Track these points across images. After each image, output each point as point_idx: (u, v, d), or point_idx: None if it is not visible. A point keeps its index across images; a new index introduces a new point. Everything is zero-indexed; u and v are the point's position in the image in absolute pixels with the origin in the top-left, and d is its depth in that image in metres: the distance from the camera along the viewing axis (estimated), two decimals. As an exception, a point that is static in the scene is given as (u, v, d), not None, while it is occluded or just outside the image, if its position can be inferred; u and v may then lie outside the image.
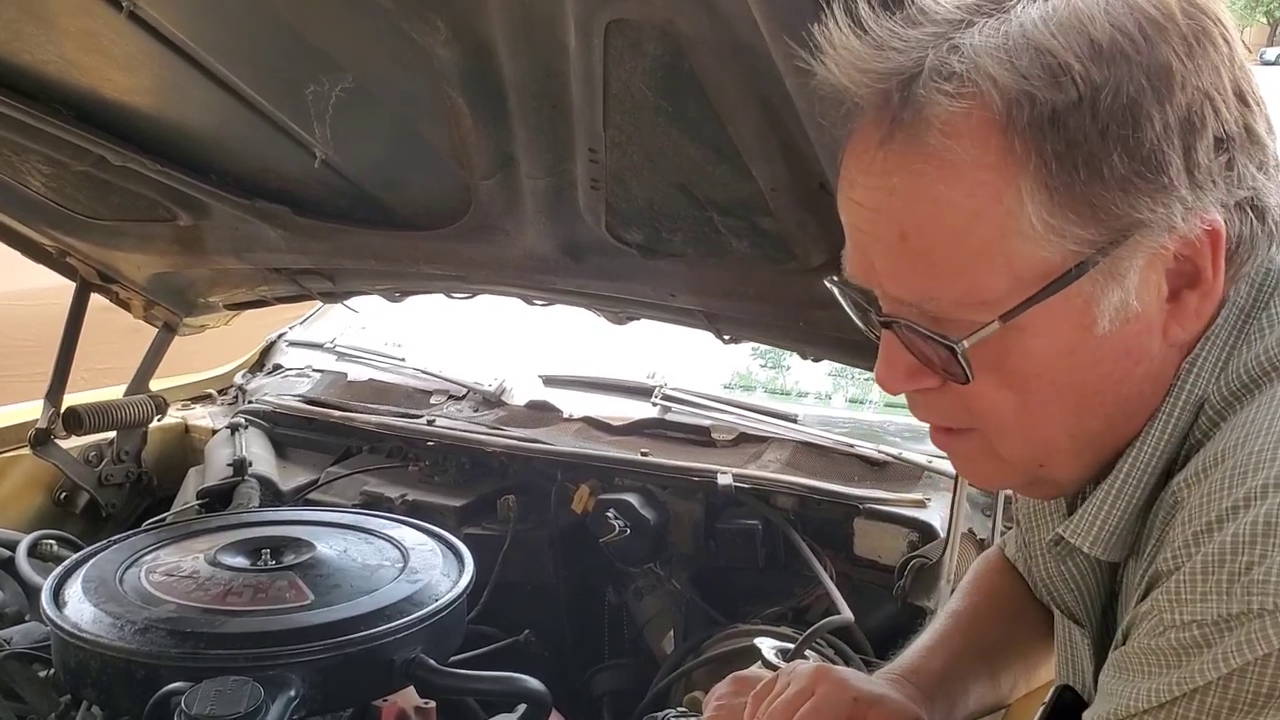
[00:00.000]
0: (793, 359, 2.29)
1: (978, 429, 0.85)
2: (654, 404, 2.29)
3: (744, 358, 2.59)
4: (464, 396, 2.45)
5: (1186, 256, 0.78)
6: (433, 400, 2.46)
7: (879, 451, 2.08)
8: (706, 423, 2.23)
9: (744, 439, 2.18)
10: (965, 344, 0.78)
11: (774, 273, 1.57)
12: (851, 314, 0.90)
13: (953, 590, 1.46)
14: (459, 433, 2.25)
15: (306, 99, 1.50)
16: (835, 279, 0.89)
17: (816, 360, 1.89)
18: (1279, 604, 0.68)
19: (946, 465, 1.96)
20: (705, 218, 1.47)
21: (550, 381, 2.46)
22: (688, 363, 2.45)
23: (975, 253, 0.76)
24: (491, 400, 2.42)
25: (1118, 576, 0.92)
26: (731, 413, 2.26)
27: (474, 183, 1.58)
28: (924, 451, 2.07)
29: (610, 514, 1.98)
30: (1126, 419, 0.83)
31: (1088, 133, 0.72)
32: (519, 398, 2.42)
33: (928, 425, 0.90)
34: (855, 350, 1.78)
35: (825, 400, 2.50)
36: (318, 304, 2.74)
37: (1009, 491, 1.91)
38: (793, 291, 1.59)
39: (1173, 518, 0.77)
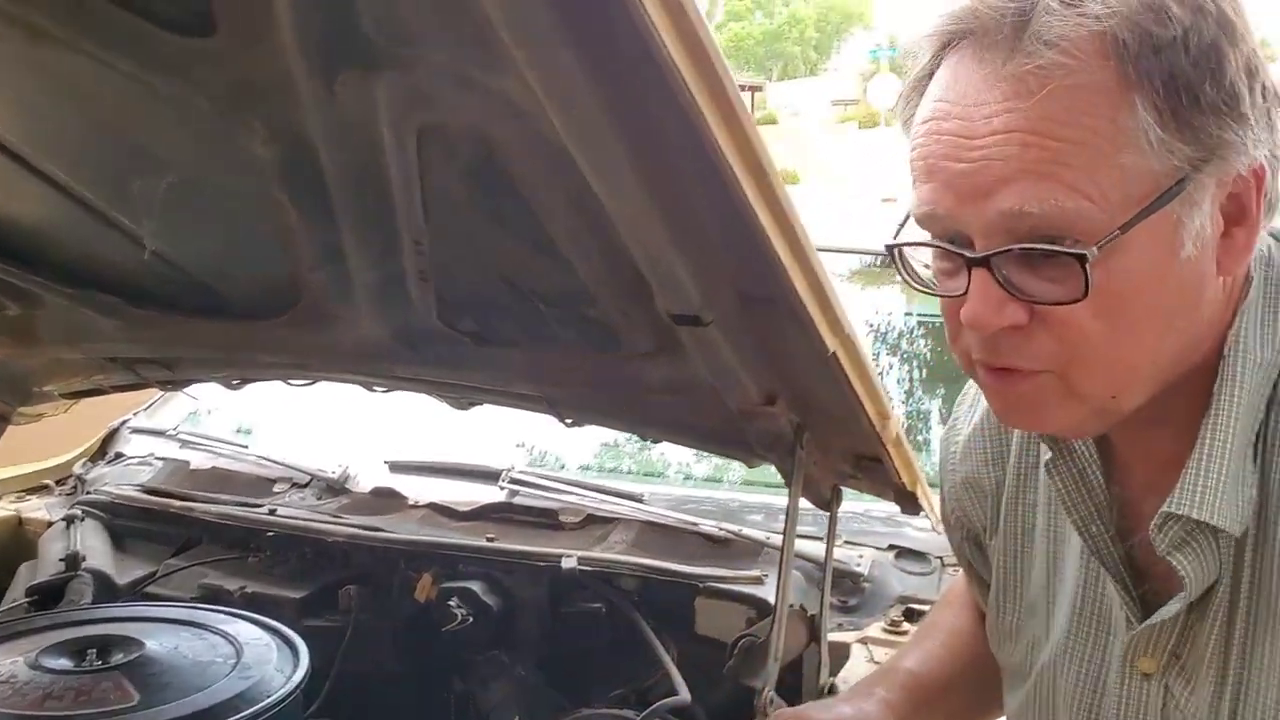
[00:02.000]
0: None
1: (1054, 370, 0.89)
2: (502, 488, 2.30)
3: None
4: (307, 484, 2.42)
5: (1236, 195, 0.87)
6: (275, 488, 2.42)
7: (721, 529, 2.12)
8: (554, 505, 2.25)
9: (591, 520, 2.20)
10: (1095, 250, 0.82)
11: (605, 359, 1.61)
12: (919, 271, 0.94)
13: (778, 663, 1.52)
14: (300, 522, 2.22)
15: (134, 194, 1.50)
16: (899, 244, 0.94)
17: (656, 442, 1.93)
18: None
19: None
20: (532, 308, 1.50)
21: (396, 467, 2.45)
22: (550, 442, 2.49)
23: (1097, 162, 0.82)
24: (335, 487, 2.39)
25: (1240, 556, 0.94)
26: (579, 494, 2.28)
27: (303, 274, 1.59)
28: (764, 528, 2.12)
29: (453, 602, 1.97)
30: (1193, 348, 0.91)
31: (1184, 64, 0.82)
32: (363, 484, 2.40)
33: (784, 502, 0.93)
34: (692, 433, 1.83)
35: (688, 478, 2.55)
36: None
37: (851, 565, 1.99)
38: (625, 377, 1.63)
39: None
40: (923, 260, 0.95)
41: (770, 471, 2.28)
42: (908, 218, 0.93)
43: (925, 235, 0.93)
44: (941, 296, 0.92)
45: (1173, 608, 0.96)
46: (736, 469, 2.52)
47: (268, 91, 1.17)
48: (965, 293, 0.87)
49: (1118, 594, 1.02)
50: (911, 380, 3.19)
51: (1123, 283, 0.84)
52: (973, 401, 1.22)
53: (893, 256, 0.95)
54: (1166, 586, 0.98)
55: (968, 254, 0.87)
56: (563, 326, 1.53)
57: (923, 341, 3.25)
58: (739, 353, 1.42)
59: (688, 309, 1.32)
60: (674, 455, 2.61)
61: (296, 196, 1.37)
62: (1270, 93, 0.86)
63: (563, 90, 0.98)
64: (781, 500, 2.24)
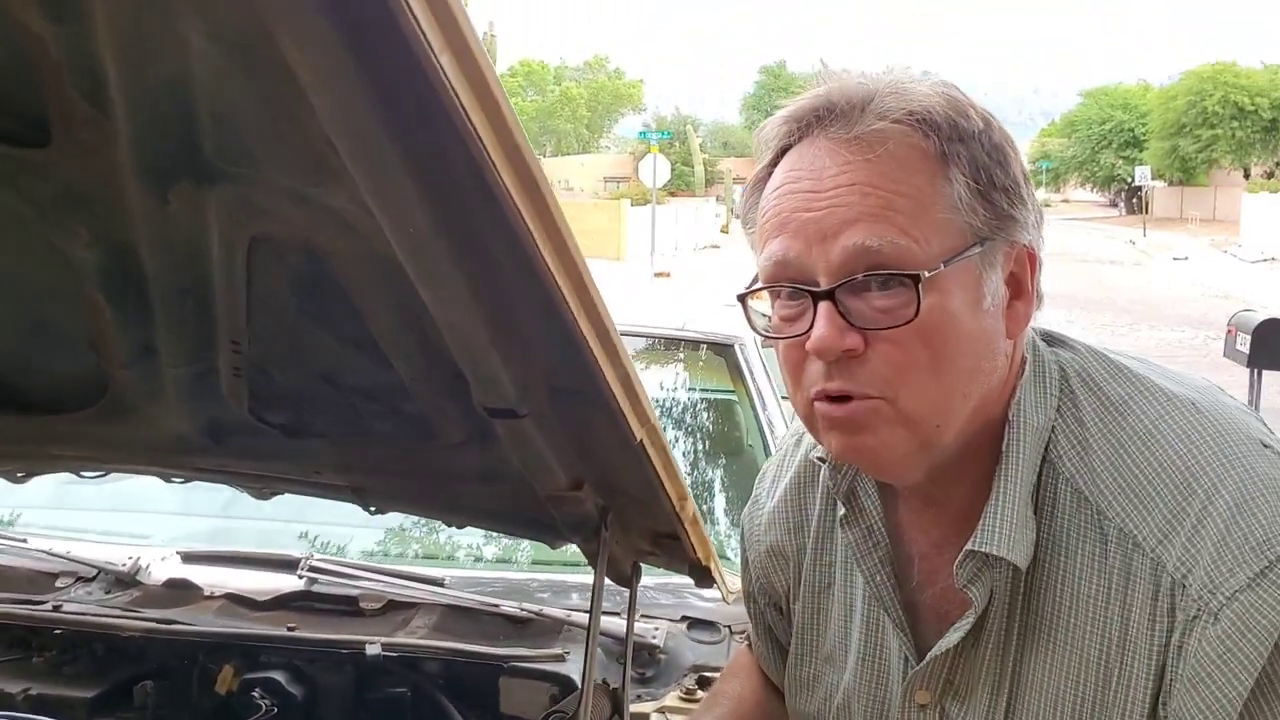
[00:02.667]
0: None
1: (886, 397, 1.03)
2: (300, 576, 2.29)
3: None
4: (94, 578, 2.34)
5: (1016, 274, 1.07)
6: (58, 583, 2.33)
7: (522, 609, 2.19)
8: (354, 592, 2.26)
9: (392, 606, 2.22)
10: (924, 274, 0.99)
11: (417, 449, 1.67)
12: (766, 315, 1.11)
13: None
14: (89, 617, 2.15)
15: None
16: (752, 290, 1.10)
17: (460, 528, 1.99)
18: None
19: (584, 619, 2.11)
20: (349, 404, 1.55)
21: (190, 558, 2.40)
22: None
23: (921, 212, 1.01)
24: (125, 580, 2.32)
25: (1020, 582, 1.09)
26: (379, 580, 2.30)
27: (113, 370, 1.59)
28: (564, 606, 2.20)
29: (256, 693, 1.96)
30: (990, 402, 1.08)
31: (981, 152, 1.04)
32: (156, 576, 2.34)
33: (581, 581, 1.03)
34: (499, 518, 1.90)
35: (478, 560, 2.59)
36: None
37: (648, 638, 2.09)
38: (436, 467, 1.69)
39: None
40: (762, 313, 1.12)
41: (562, 550, 2.39)
42: (755, 278, 1.09)
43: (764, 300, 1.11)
44: (785, 339, 1.07)
45: (953, 638, 1.10)
46: (526, 549, 2.60)
47: (96, 201, 1.20)
48: (808, 330, 1.02)
49: (896, 636, 1.18)
50: (695, 453, 3.34)
51: (941, 314, 1.01)
52: (774, 478, 1.38)
53: (743, 306, 1.12)
54: (938, 629, 1.14)
55: (815, 289, 1.02)
56: (378, 420, 1.58)
57: (705, 415, 3.41)
58: (550, 442, 1.51)
59: (504, 403, 1.40)
60: (463, 538, 2.66)
61: (114, 297, 1.39)
62: (1037, 204, 1.08)
63: (401, 212, 1.06)
64: (575, 578, 2.35)
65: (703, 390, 3.33)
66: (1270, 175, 51.06)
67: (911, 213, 1.01)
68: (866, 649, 1.23)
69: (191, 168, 1.14)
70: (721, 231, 44.31)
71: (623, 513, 1.71)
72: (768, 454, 2.80)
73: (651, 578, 2.23)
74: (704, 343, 3.15)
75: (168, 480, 2.01)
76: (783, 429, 2.83)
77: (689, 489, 1.66)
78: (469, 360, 1.33)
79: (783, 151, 1.09)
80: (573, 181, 59.93)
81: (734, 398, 3.15)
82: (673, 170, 32.06)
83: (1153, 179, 49.31)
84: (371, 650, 2.02)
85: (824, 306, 1.01)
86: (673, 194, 44.84)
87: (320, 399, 1.58)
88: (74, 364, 1.63)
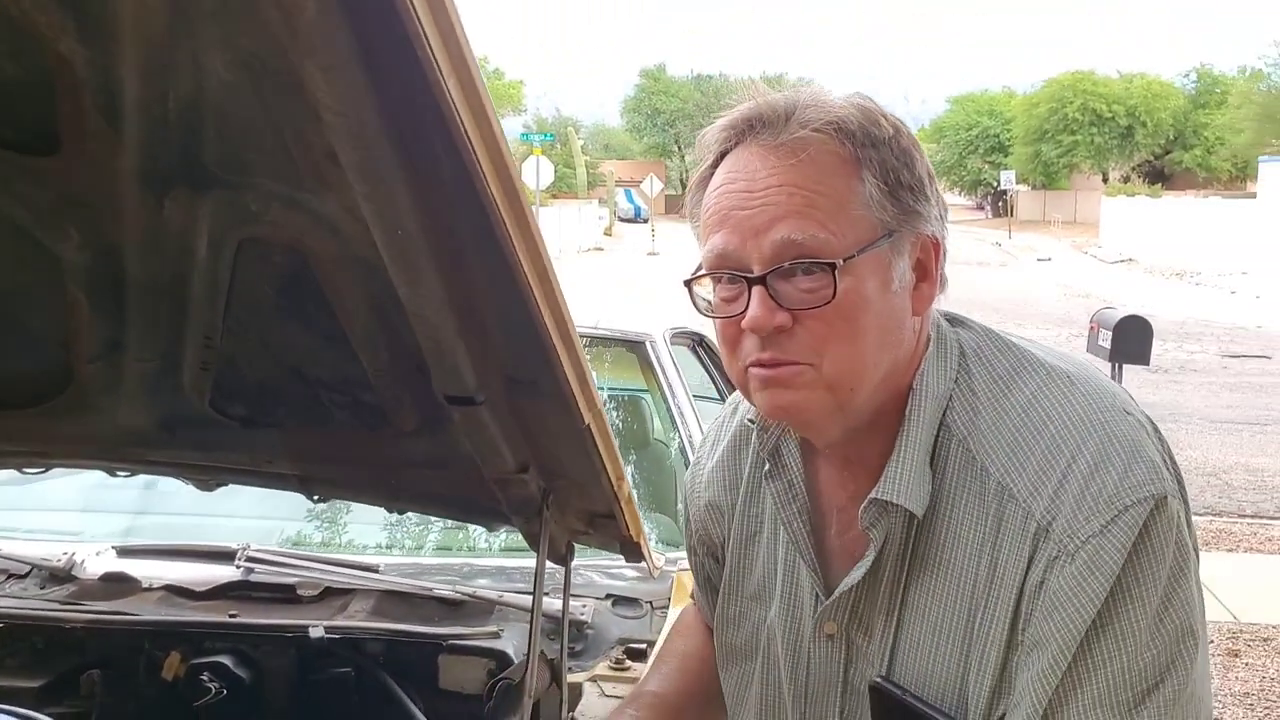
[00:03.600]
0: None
1: (811, 364, 1.20)
2: (238, 566, 2.37)
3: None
4: (27, 574, 2.38)
5: (922, 260, 1.25)
6: (-9, 581, 2.36)
7: (456, 591, 2.30)
8: (292, 580, 2.34)
9: (329, 593, 2.31)
10: (840, 261, 1.17)
11: (370, 438, 1.78)
12: (707, 299, 1.28)
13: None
14: (27, 611, 2.20)
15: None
16: (696, 276, 1.28)
17: (402, 513, 2.10)
18: None
19: (517, 599, 2.23)
20: (312, 394, 1.65)
21: (125, 552, 2.46)
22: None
23: (838, 209, 1.18)
24: (60, 576, 2.37)
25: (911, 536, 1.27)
26: (316, 568, 2.38)
27: (77, 365, 1.66)
28: (495, 588, 2.32)
29: (205, 676, 2.04)
30: (898, 373, 1.25)
31: (890, 155, 1.21)
32: (91, 571, 2.39)
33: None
34: (442, 503, 2.02)
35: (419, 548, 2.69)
36: None
37: (577, 614, 2.22)
38: (386, 454, 1.80)
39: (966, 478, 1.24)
40: (704, 297, 1.30)
41: (494, 536, 2.51)
42: (699, 266, 1.27)
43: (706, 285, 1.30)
44: (724, 318, 1.25)
45: (856, 575, 1.29)
46: (459, 535, 2.71)
47: (92, 205, 1.28)
48: (744, 310, 1.20)
49: (809, 577, 1.36)
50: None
51: (855, 296, 1.19)
52: (713, 442, 1.57)
53: (689, 291, 1.31)
54: (843, 569, 1.33)
55: (749, 276, 1.20)
56: (338, 409, 1.69)
57: (615, 413, 3.54)
58: (502, 428, 1.63)
59: (463, 391, 1.52)
60: (395, 529, 2.75)
61: (93, 296, 1.46)
62: (941, 198, 1.28)
63: (393, 216, 1.18)
64: (504, 561, 2.47)
65: (614, 387, 3.47)
66: (1127, 179, 53.47)
67: (830, 209, 1.18)
68: (784, 588, 1.40)
69: (190, 175, 1.24)
70: (605, 234, 44.50)
71: (562, 494, 1.84)
72: (678, 446, 2.97)
73: (577, 559, 2.37)
74: (616, 340, 3.29)
75: (113, 474, 2.07)
76: (693, 422, 2.99)
77: (625, 470, 1.80)
78: (435, 350, 1.45)
79: (722, 155, 1.26)
80: (453, 183, 59.24)
81: (645, 393, 3.30)
82: (555, 172, 32.15)
83: (1017, 183, 51.26)
84: (315, 632, 2.11)
85: (757, 290, 1.19)
86: (555, 196, 44.84)
87: (283, 389, 1.68)
88: (37, 360, 1.69)
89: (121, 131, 1.17)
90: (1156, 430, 1.27)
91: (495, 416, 1.61)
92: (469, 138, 1.06)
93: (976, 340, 1.33)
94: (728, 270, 1.22)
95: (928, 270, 1.26)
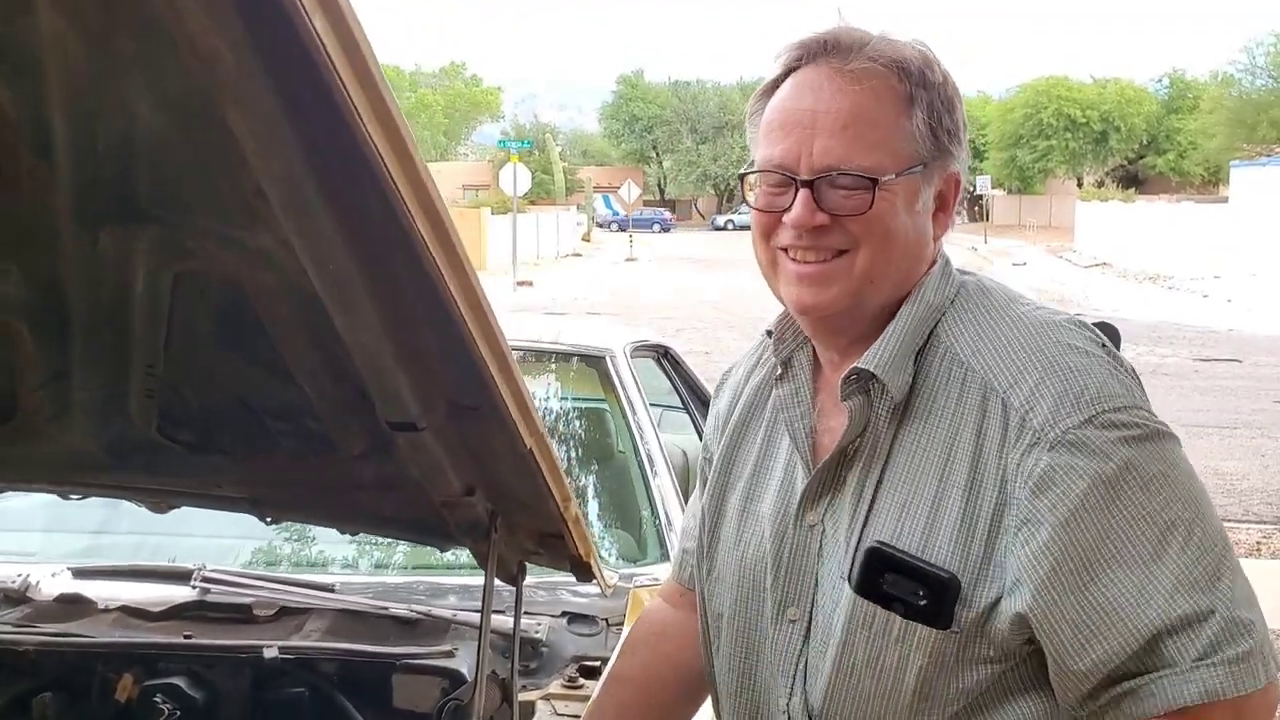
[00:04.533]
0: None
1: (848, 250, 1.34)
2: (193, 587, 2.37)
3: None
4: (-19, 597, 2.38)
5: (943, 193, 1.39)
6: (-55, 603, 2.36)
7: (411, 610, 2.32)
8: (248, 600, 2.35)
9: (285, 612, 2.32)
10: (881, 179, 1.32)
11: (318, 462, 1.79)
12: (759, 194, 1.39)
13: None
14: (-19, 634, 2.20)
15: None
16: (750, 171, 1.41)
17: (354, 535, 2.12)
18: None
19: (471, 618, 2.25)
20: (257, 421, 1.67)
21: (81, 573, 2.46)
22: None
23: (887, 136, 1.33)
24: (14, 597, 2.37)
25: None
26: (272, 588, 2.39)
27: (23, 393, 1.67)
28: (452, 606, 2.34)
29: (158, 699, 2.05)
30: (906, 284, 1.37)
31: (939, 100, 1.36)
32: (47, 592, 2.39)
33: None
34: (393, 524, 2.03)
35: (354, 567, 2.71)
36: None
37: (531, 633, 2.25)
38: (336, 477, 1.82)
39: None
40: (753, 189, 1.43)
41: (449, 554, 2.52)
42: (751, 163, 1.41)
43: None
44: (766, 210, 1.38)
45: (833, 451, 1.38)
46: (413, 554, 2.72)
47: (31, 241, 1.30)
48: (790, 206, 1.34)
49: (802, 474, 1.42)
50: (570, 460, 3.49)
51: (888, 209, 1.33)
52: (736, 365, 1.67)
53: (741, 183, 1.43)
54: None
55: (799, 178, 1.34)
56: (284, 436, 1.70)
57: (578, 423, 3.56)
58: (446, 452, 1.66)
59: (405, 418, 1.55)
60: (349, 548, 2.76)
61: (35, 328, 1.48)
62: (967, 144, 1.44)
63: (323, 251, 1.20)
64: (457, 580, 2.49)
65: (576, 400, 3.49)
66: (1101, 184, 53.84)
67: (879, 136, 1.33)
68: (781, 486, 1.47)
69: (124, 211, 1.26)
70: (583, 240, 44.53)
71: (511, 515, 1.86)
72: (637, 459, 2.99)
73: (534, 577, 2.38)
74: (577, 355, 3.31)
75: (65, 498, 2.08)
76: (651, 436, 3.02)
77: (572, 491, 1.82)
78: (375, 380, 1.47)
79: (788, 71, 1.39)
80: (431, 190, 59.15)
81: (605, 406, 3.32)
82: (533, 179, 32.19)
83: (993, 188, 51.53)
84: (269, 653, 2.12)
85: (804, 193, 1.34)
86: (533, 202, 44.85)
87: (228, 416, 1.69)
88: (-18, 389, 1.70)
89: (54, 170, 1.19)
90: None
91: (439, 441, 1.63)
92: (392, 176, 1.08)
93: (976, 280, 1.46)
94: (781, 172, 1.35)
95: (946, 202, 1.41)
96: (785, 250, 1.38)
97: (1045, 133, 52.95)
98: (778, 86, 1.40)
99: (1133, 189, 50.39)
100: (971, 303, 1.40)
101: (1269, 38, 43.82)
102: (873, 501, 1.35)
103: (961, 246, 41.52)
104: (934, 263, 1.42)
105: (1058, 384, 1.26)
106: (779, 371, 1.48)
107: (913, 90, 1.35)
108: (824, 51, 1.37)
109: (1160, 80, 58.03)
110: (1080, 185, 54.60)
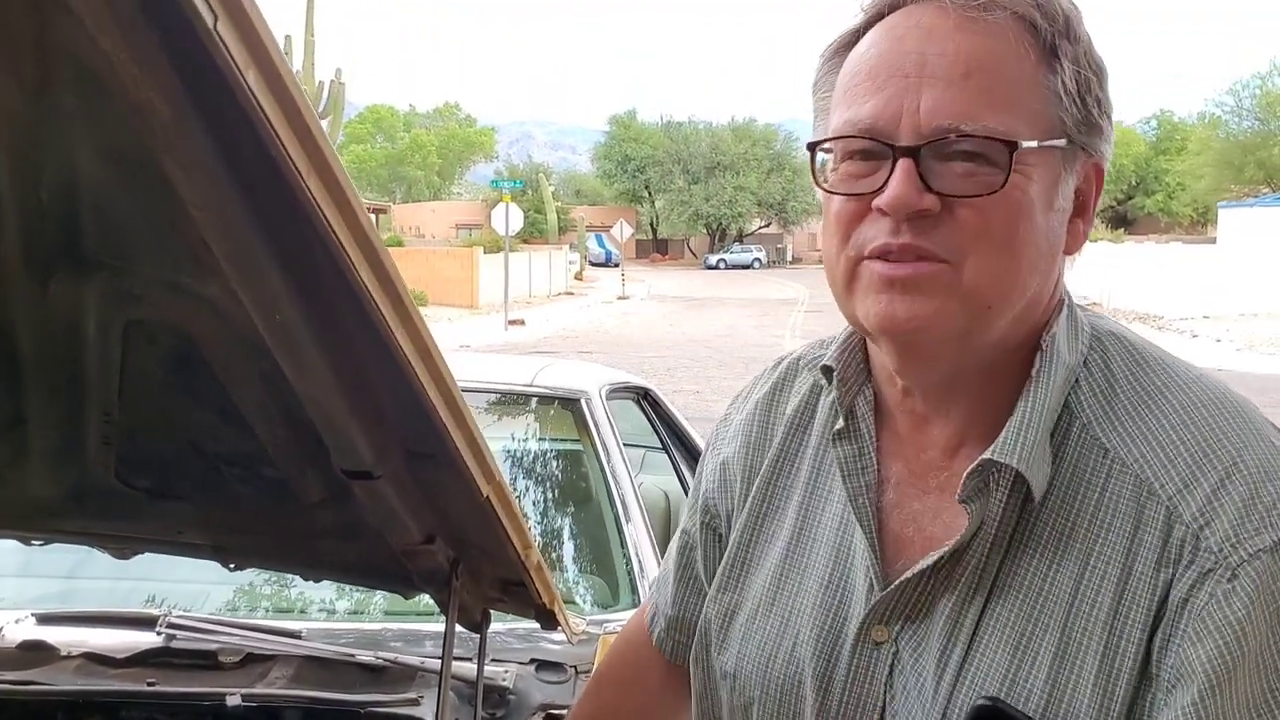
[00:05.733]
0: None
1: (951, 263, 0.98)
2: (158, 633, 2.35)
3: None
4: (-57, 644, 2.36)
5: (1081, 190, 1.04)
6: (-97, 650, 2.34)
7: (377, 658, 2.30)
8: (213, 646, 2.33)
9: (251, 659, 2.30)
10: (1021, 144, 0.96)
11: (278, 510, 1.78)
12: (837, 175, 1.04)
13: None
14: (-59, 683, 2.17)
15: None
16: (827, 139, 1.05)
17: (318, 581, 2.10)
18: None
19: (436, 665, 2.23)
20: (213, 468, 1.66)
21: (45, 619, 2.44)
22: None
23: (1019, 95, 0.98)
24: (-24, 644, 2.35)
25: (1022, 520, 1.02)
26: (237, 634, 2.37)
27: (-22, 440, 1.67)
28: (417, 654, 2.32)
29: (118, 748, 2.02)
30: (1031, 315, 1.04)
31: (1084, 62, 1.01)
32: (10, 638, 2.36)
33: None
34: (355, 571, 2.02)
35: (333, 613, 2.69)
36: None
37: (498, 680, 2.23)
38: (296, 525, 1.81)
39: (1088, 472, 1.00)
40: (830, 169, 1.06)
41: (415, 601, 2.50)
42: (821, 139, 1.06)
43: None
44: (847, 195, 1.02)
45: (933, 556, 1.03)
46: (379, 600, 2.70)
47: (-21, 288, 1.30)
48: (881, 188, 0.98)
49: (869, 562, 1.09)
50: (545, 502, 3.48)
51: (1022, 195, 0.98)
52: (746, 395, 1.34)
53: (811, 155, 1.06)
54: (900, 561, 1.08)
55: (896, 145, 0.98)
56: (240, 483, 1.69)
57: (554, 465, 3.55)
58: (404, 500, 1.65)
59: (361, 466, 1.54)
60: (317, 591, 2.75)
61: (-12, 373, 1.48)
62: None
63: (269, 302, 1.20)
64: (427, 626, 2.47)
65: (551, 441, 3.49)
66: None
67: (1012, 92, 0.98)
68: (831, 577, 1.14)
69: (72, 259, 1.26)
70: (575, 278, 44.67)
71: (472, 563, 1.85)
72: (611, 502, 2.98)
73: (502, 624, 2.37)
74: (552, 397, 3.31)
75: (27, 543, 2.06)
76: (626, 480, 3.01)
77: (534, 539, 1.81)
78: (329, 428, 1.47)
79: (878, 17, 1.04)
80: (424, 228, 59.61)
81: (580, 447, 3.31)
82: (526, 218, 32.30)
83: (985, 227, 51.69)
84: (232, 700, 2.10)
85: (904, 163, 0.97)
86: (526, 241, 45.03)
87: (185, 463, 1.69)
88: (-62, 434, 1.70)
89: (1, 215, 1.18)
90: None
91: (397, 489, 1.62)
92: (333, 229, 1.08)
93: (1112, 326, 1.11)
94: (871, 138, 1.00)
95: (1086, 203, 1.06)
96: (872, 259, 1.01)
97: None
98: (859, 38, 1.05)
99: (1122, 229, 50.73)
100: (1116, 363, 1.06)
101: (1255, 80, 44.31)
102: (975, 629, 1.02)
103: (953, 286, 41.49)
104: (1056, 297, 1.07)
105: (1242, 489, 0.94)
106: (839, 424, 1.12)
107: (1055, 40, 1.00)
108: None
109: (1148, 122, 58.59)
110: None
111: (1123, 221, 55.20)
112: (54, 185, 1.13)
